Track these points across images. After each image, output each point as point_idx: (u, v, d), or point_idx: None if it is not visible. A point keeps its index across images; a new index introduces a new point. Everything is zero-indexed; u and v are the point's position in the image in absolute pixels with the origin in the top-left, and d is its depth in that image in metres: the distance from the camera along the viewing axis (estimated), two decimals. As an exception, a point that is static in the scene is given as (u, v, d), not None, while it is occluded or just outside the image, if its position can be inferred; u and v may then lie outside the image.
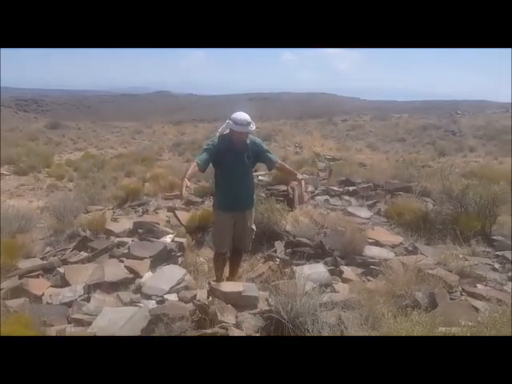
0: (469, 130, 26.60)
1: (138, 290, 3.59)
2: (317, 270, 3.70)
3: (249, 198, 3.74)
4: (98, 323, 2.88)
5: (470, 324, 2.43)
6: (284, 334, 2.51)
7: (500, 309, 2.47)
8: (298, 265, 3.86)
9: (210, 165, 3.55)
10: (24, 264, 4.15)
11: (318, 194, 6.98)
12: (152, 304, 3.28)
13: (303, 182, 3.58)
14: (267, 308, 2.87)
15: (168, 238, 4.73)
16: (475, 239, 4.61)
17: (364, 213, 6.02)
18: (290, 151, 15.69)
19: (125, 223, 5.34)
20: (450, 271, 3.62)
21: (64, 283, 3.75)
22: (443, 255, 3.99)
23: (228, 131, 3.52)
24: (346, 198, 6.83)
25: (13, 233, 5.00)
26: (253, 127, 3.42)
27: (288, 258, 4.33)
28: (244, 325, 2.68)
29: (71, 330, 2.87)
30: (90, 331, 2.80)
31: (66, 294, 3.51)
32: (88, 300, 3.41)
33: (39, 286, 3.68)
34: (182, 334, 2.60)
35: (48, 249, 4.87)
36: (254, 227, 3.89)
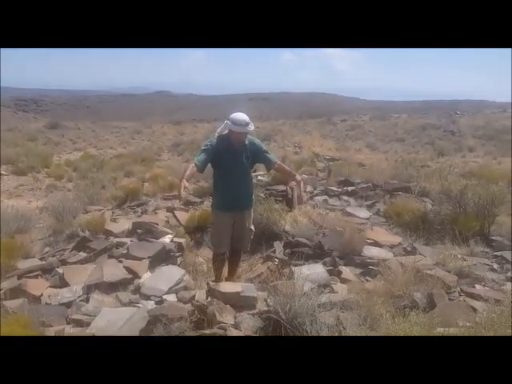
0: (468, 129, 26.61)
1: (137, 290, 3.58)
2: (315, 270, 3.70)
3: (247, 199, 3.75)
4: (96, 324, 2.89)
5: (467, 325, 2.44)
6: (282, 334, 2.51)
7: (498, 309, 2.48)
8: (296, 265, 3.86)
9: (209, 165, 3.55)
10: (23, 264, 4.15)
11: (316, 195, 6.98)
12: (151, 304, 3.28)
13: (302, 183, 3.59)
14: (266, 308, 2.87)
15: (167, 239, 4.74)
16: (474, 239, 4.61)
17: (363, 213, 6.02)
18: (289, 151, 15.68)
19: (124, 223, 5.34)
20: (449, 271, 3.62)
21: (63, 284, 3.75)
22: (442, 255, 4.00)
23: (226, 131, 3.53)
24: (345, 198, 6.84)
25: (12, 233, 5.00)
26: (251, 127, 3.43)
27: (287, 258, 4.33)
28: (242, 325, 2.69)
29: (70, 331, 2.87)
30: (88, 332, 2.80)
31: (65, 294, 3.51)
32: (87, 300, 3.41)
33: (38, 286, 3.68)
34: (181, 335, 2.60)
35: (47, 249, 4.87)
36: (252, 227, 3.90)
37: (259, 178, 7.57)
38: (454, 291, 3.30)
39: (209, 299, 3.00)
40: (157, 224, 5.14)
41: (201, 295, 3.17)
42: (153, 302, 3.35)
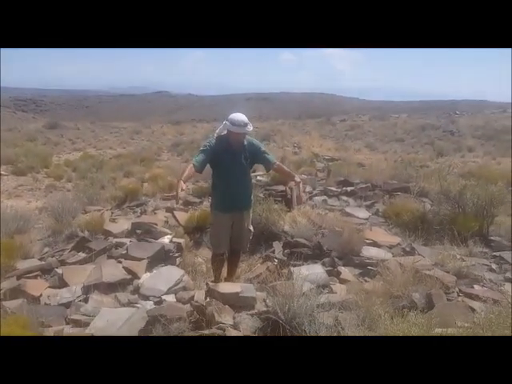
0: (467, 130, 26.64)
1: (136, 290, 3.58)
2: (314, 270, 3.71)
3: (246, 199, 3.75)
4: (95, 324, 2.89)
5: (466, 325, 2.44)
6: (281, 335, 2.52)
7: (496, 310, 2.48)
8: (295, 265, 3.87)
9: (208, 165, 3.56)
10: (22, 265, 4.15)
11: (316, 195, 6.99)
12: (150, 305, 3.28)
13: (301, 184, 3.59)
14: (265, 309, 2.87)
15: (166, 239, 4.73)
16: (472, 240, 4.61)
17: (362, 213, 6.03)
18: (288, 151, 15.71)
19: (123, 224, 5.34)
20: (448, 272, 3.62)
21: (62, 284, 3.74)
22: (440, 256, 4.00)
23: (225, 132, 3.53)
24: (344, 198, 6.84)
25: (11, 233, 5.00)
26: (250, 128, 3.43)
27: (286, 258, 4.33)
28: (241, 326, 2.69)
29: (69, 331, 2.87)
30: (87, 332, 2.80)
31: (64, 294, 3.51)
32: (86, 301, 3.40)
33: (37, 286, 3.67)
34: (180, 335, 2.60)
35: (46, 249, 4.87)
36: (251, 228, 3.90)
37: (258, 178, 7.58)
38: (453, 291, 3.30)
39: (208, 299, 3.00)
40: (156, 224, 5.14)
41: (200, 295, 3.17)
42: (152, 303, 3.35)
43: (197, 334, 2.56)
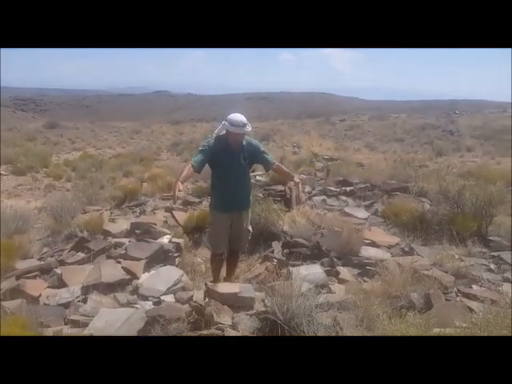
0: (466, 129, 26.68)
1: (135, 291, 3.59)
2: (313, 270, 3.71)
3: (245, 199, 3.75)
4: (94, 324, 2.89)
5: (464, 325, 2.45)
6: (279, 335, 2.52)
7: (494, 310, 2.49)
8: (294, 265, 3.87)
9: (207, 165, 3.56)
10: (21, 265, 4.15)
11: (315, 195, 7.00)
12: (149, 305, 3.28)
13: (300, 184, 3.60)
14: (263, 309, 2.88)
15: (165, 239, 4.73)
16: (471, 240, 4.62)
17: (361, 213, 6.04)
18: (287, 151, 15.71)
19: (122, 224, 5.34)
20: (446, 272, 3.63)
21: (61, 284, 3.75)
22: (439, 256, 4.00)
23: (224, 132, 3.54)
24: (344, 198, 6.85)
25: (10, 233, 4.99)
26: (249, 128, 3.43)
27: (285, 258, 4.33)
28: (240, 326, 2.69)
29: (68, 332, 2.87)
30: (86, 332, 2.80)
31: (63, 295, 3.51)
32: (85, 301, 3.40)
33: (36, 286, 3.68)
34: (179, 335, 2.61)
35: (45, 249, 4.87)
36: (250, 228, 3.90)
37: (257, 177, 7.59)
38: (451, 292, 3.31)
39: (206, 300, 3.01)
40: (155, 224, 5.14)
41: (199, 296, 3.17)
42: (151, 303, 3.35)
43: (195, 335, 2.56)
